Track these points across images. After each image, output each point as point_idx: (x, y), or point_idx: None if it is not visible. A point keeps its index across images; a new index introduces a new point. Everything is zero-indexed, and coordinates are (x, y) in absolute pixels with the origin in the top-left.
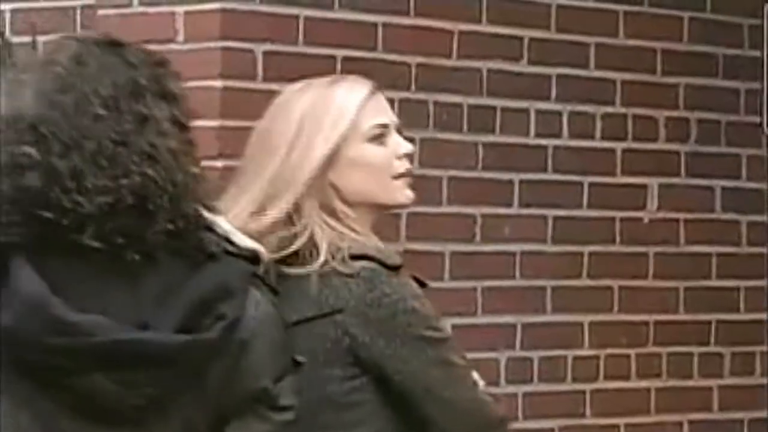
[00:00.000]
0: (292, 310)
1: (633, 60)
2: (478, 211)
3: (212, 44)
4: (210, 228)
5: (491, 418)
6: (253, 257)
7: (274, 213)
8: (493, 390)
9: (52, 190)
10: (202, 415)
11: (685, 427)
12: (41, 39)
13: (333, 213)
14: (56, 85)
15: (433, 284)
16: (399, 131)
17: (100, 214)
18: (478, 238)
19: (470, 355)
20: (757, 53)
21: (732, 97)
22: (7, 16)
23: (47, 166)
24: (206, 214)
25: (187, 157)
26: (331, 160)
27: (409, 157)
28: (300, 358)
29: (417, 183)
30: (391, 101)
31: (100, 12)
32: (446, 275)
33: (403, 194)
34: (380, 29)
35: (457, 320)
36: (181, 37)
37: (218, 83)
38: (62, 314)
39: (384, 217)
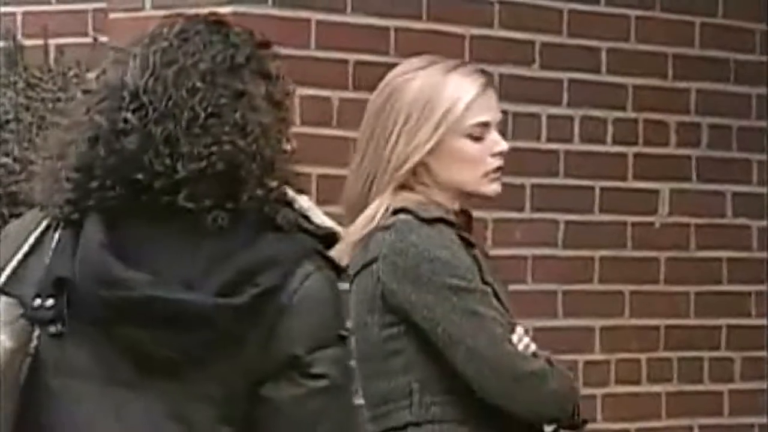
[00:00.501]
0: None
1: (644, 65)
2: (490, 215)
3: None
4: (290, 203)
5: (517, 371)
6: (326, 235)
7: (381, 192)
8: None
9: (146, 153)
10: (238, 376)
11: (696, 431)
12: (52, 42)
13: (412, 188)
14: (161, 58)
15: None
16: (500, 129)
17: (191, 177)
18: (489, 242)
19: None
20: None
21: (743, 102)
22: (19, 18)
23: (144, 131)
24: (289, 191)
25: (278, 134)
26: (432, 149)
27: (503, 154)
28: (341, 333)
29: None
30: None
31: (112, 15)
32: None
33: (490, 188)
34: (393, 33)
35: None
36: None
37: None
38: (111, 269)
39: None
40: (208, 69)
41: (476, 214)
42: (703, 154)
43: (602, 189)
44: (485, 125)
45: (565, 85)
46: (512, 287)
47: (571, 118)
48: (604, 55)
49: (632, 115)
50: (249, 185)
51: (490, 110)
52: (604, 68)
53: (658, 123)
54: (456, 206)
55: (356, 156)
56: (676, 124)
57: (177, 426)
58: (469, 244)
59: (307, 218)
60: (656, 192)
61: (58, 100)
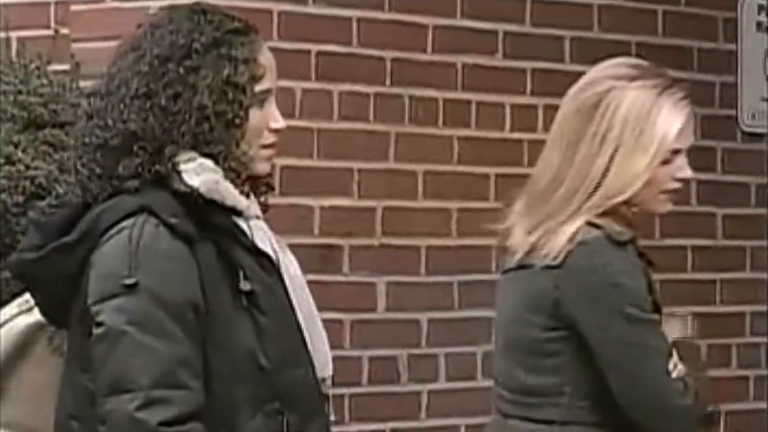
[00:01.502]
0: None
1: (608, 53)
2: (454, 205)
3: None
4: (178, 172)
5: (671, 405)
6: (186, 194)
7: (580, 214)
8: (470, 384)
9: (88, 125)
10: (80, 325)
11: None
12: (14, 35)
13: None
14: (131, 45)
15: (409, 279)
16: (688, 152)
17: (97, 145)
18: (454, 232)
19: (447, 350)
20: (732, 46)
21: (708, 90)
22: None
23: (93, 102)
24: (188, 162)
25: (226, 114)
26: (645, 179)
27: (684, 180)
28: (129, 282)
29: (392, 177)
30: (366, 96)
31: (73, 8)
32: (422, 270)
33: (665, 207)
34: (355, 24)
35: (434, 314)
36: None
37: None
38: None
39: (360, 211)
40: (162, 54)
41: (441, 204)
42: None
43: None
44: (677, 151)
45: (529, 74)
46: (477, 277)
47: (535, 107)
48: (567, 43)
49: None
50: (138, 159)
51: (687, 138)
52: (567, 57)
53: None
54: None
55: (552, 155)
56: None
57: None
58: (648, 263)
59: (180, 177)
60: None
61: (20, 92)
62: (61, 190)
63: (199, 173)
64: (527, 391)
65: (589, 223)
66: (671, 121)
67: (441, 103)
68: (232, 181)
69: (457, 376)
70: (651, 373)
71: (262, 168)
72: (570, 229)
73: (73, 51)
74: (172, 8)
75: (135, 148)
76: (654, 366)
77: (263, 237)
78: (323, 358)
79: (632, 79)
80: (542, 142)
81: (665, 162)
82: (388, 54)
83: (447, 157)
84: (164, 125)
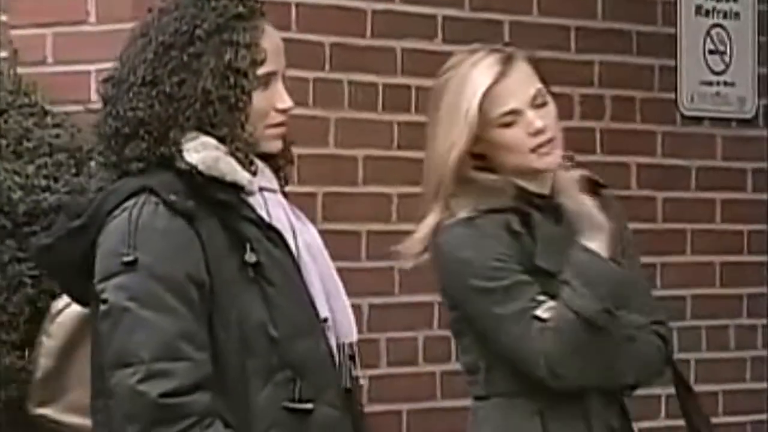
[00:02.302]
0: None
1: (547, 37)
2: (395, 190)
3: (124, 26)
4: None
5: (539, 361)
6: (185, 172)
7: (426, 195)
8: (412, 370)
9: (104, 114)
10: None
11: None
12: None
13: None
14: (139, 32)
15: (349, 264)
16: (537, 104)
17: (109, 134)
18: (394, 217)
19: (388, 335)
20: (671, 30)
21: (647, 73)
22: None
23: (107, 89)
24: (191, 141)
25: (228, 98)
26: (476, 143)
27: (541, 131)
28: (128, 259)
29: (332, 162)
30: (305, 81)
31: None
32: (363, 255)
33: (542, 163)
34: (294, 9)
35: (375, 300)
36: (93, 18)
37: None
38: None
39: (300, 197)
40: (166, 41)
41: (381, 189)
42: (608, 126)
43: None
44: (514, 112)
45: None
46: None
47: None
48: (506, 28)
49: None
50: (144, 143)
51: (512, 96)
52: (507, 41)
53: (562, 96)
54: (534, 186)
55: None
56: (580, 96)
57: None
58: (515, 232)
59: (181, 156)
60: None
61: None
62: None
63: (199, 151)
64: (464, 371)
65: (448, 206)
66: (476, 86)
67: (380, 88)
68: (238, 159)
69: (398, 361)
70: (506, 340)
71: (271, 146)
72: (431, 215)
73: (11, 38)
74: None
75: (141, 132)
76: (505, 332)
77: (276, 210)
78: (347, 325)
79: (457, 63)
80: None
81: (506, 125)
82: (327, 39)
83: (387, 142)
84: (169, 111)
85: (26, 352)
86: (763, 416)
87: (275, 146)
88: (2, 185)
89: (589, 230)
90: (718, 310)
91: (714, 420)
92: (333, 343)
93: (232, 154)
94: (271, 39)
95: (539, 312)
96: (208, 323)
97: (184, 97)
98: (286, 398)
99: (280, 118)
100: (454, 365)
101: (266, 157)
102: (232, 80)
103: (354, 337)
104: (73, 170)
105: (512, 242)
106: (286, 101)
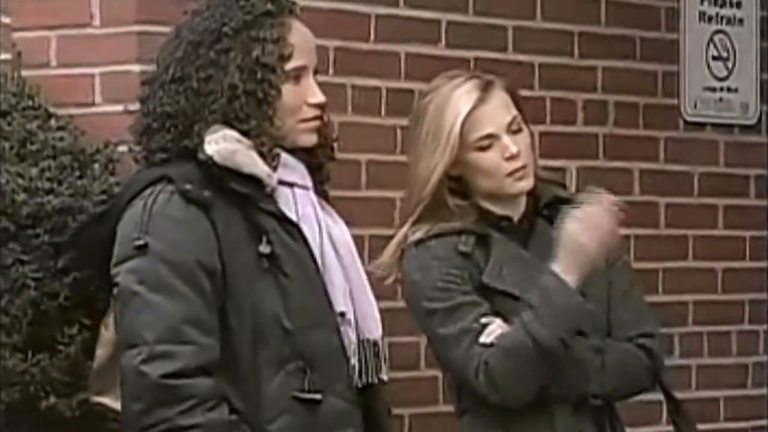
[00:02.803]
0: None
1: (550, 43)
2: (398, 195)
3: (128, 29)
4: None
5: (475, 382)
6: (203, 162)
7: (410, 214)
8: (414, 374)
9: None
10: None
11: None
12: None
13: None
14: (175, 33)
15: None
16: (512, 130)
17: (139, 131)
18: (397, 221)
19: (391, 339)
20: (674, 36)
21: (650, 79)
22: None
23: (143, 90)
24: (213, 133)
25: (255, 93)
26: (453, 166)
27: (516, 157)
28: (139, 243)
29: (336, 167)
30: None
31: None
32: (366, 259)
33: (516, 187)
34: (298, 12)
35: (378, 304)
36: (97, 21)
37: (135, 67)
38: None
39: None
40: (194, 40)
41: (384, 193)
42: (611, 132)
43: None
44: (491, 136)
45: (472, 63)
46: None
47: None
48: (510, 33)
49: (540, 93)
50: (170, 135)
51: (489, 122)
52: (510, 46)
53: (566, 101)
54: (500, 209)
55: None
56: (583, 102)
57: None
58: (463, 253)
59: (202, 148)
60: (563, 170)
61: None
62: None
63: (219, 143)
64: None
65: (407, 232)
66: (456, 112)
67: (383, 93)
68: (261, 153)
69: (400, 365)
70: (451, 360)
71: (305, 140)
72: (396, 238)
73: (15, 40)
74: None
75: (168, 125)
76: (450, 354)
77: (305, 206)
78: (372, 322)
79: (435, 89)
80: None
81: (483, 148)
82: (331, 43)
83: (390, 146)
84: (195, 105)
85: (28, 355)
86: (763, 422)
87: (310, 140)
88: (5, 188)
89: (567, 260)
90: (720, 316)
91: (715, 426)
92: (352, 337)
93: (258, 148)
94: (299, 34)
95: (482, 339)
96: (222, 311)
97: (210, 92)
98: (296, 388)
99: (313, 112)
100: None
101: (307, 154)
102: (259, 75)
103: (378, 334)
104: (77, 173)
105: (461, 263)
106: (317, 95)
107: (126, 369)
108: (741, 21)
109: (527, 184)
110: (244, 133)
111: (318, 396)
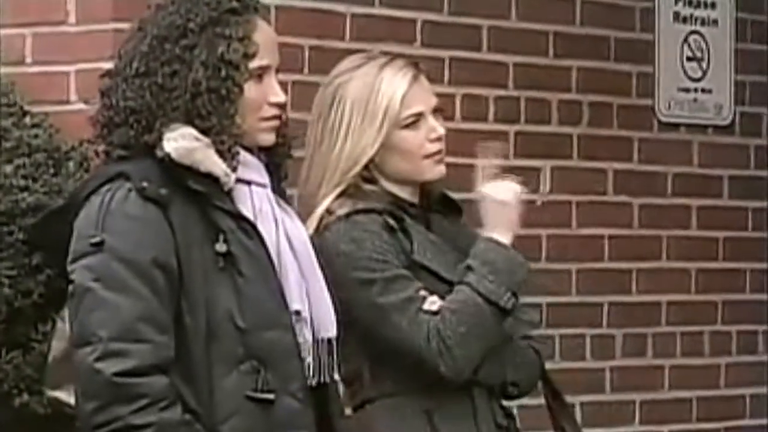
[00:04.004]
0: None
1: (525, 43)
2: None
3: (104, 26)
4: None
5: (424, 353)
6: (162, 159)
7: (328, 193)
8: None
9: (102, 99)
10: None
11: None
12: None
13: (362, 186)
14: (138, 26)
15: None
16: (436, 112)
17: (103, 122)
18: None
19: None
20: (649, 36)
21: (625, 79)
22: None
23: (105, 82)
24: (173, 131)
25: (219, 89)
26: (377, 149)
27: (441, 139)
28: (95, 240)
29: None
30: (284, 84)
31: None
32: None
33: (434, 171)
34: (273, 11)
35: None
36: (73, 19)
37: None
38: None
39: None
40: (159, 35)
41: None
42: (584, 132)
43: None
44: (419, 115)
45: (447, 63)
46: None
47: (452, 96)
48: (485, 33)
49: (514, 93)
50: (132, 131)
51: (421, 101)
52: (485, 46)
53: (540, 101)
54: (408, 195)
55: (307, 154)
56: (557, 101)
57: None
58: (393, 229)
59: (161, 145)
60: (538, 169)
61: None
62: None
63: (177, 140)
64: (345, 382)
65: (329, 207)
66: (393, 89)
67: None
68: (220, 151)
69: None
70: (390, 331)
71: (265, 139)
72: (315, 215)
73: None
74: None
75: (131, 120)
76: (389, 323)
77: (262, 204)
78: (327, 320)
79: (356, 68)
80: (458, 132)
81: (413, 128)
82: (307, 42)
83: None
84: (159, 100)
85: (2, 352)
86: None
87: (269, 139)
88: None
89: (494, 223)
90: (693, 317)
91: (687, 427)
92: (307, 336)
93: (217, 146)
94: (264, 33)
95: (426, 306)
96: (177, 309)
97: (174, 88)
98: (249, 387)
99: (273, 111)
100: None
101: (266, 153)
102: (223, 72)
103: (333, 332)
104: (52, 170)
105: (390, 239)
106: (279, 95)
107: (80, 366)
108: (716, 22)
109: (443, 169)
110: (205, 131)
111: (271, 396)
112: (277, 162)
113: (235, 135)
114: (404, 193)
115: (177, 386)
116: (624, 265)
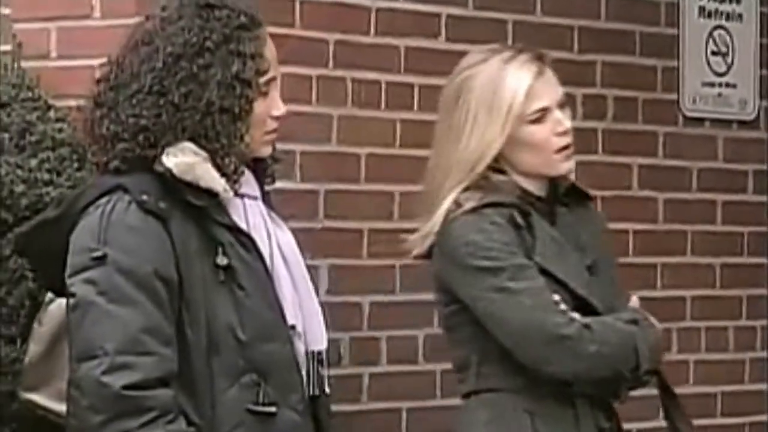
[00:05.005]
0: None
1: (550, 38)
2: (397, 188)
3: (128, 21)
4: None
5: (547, 335)
6: (162, 174)
7: (455, 186)
8: (412, 368)
9: (96, 114)
10: None
11: None
12: None
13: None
14: (142, 38)
15: (350, 262)
16: (562, 105)
17: (106, 136)
18: (396, 215)
19: (388, 333)
20: (673, 31)
21: (649, 74)
22: None
23: (103, 91)
24: (172, 146)
25: (232, 108)
26: (503, 144)
27: (567, 133)
28: (97, 254)
29: (335, 160)
30: (308, 78)
31: None
32: (365, 252)
33: (563, 166)
34: (298, 5)
35: (376, 297)
36: (98, 13)
37: None
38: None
39: (302, 194)
40: (175, 52)
41: (383, 187)
42: (610, 127)
43: None
44: (544, 110)
45: None
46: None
47: None
48: (510, 27)
49: None
50: (138, 148)
51: (546, 94)
52: (510, 40)
53: (566, 95)
54: (536, 188)
55: (433, 149)
56: (582, 96)
57: None
58: (518, 226)
59: (160, 160)
60: None
61: None
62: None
63: (177, 155)
64: (455, 368)
65: (457, 200)
66: (518, 84)
67: (383, 86)
68: (222, 168)
69: (398, 359)
70: (518, 312)
71: (265, 151)
72: (441, 209)
73: (15, 31)
74: (180, 1)
75: (140, 138)
76: (520, 306)
77: (254, 216)
78: (317, 333)
79: (480, 62)
80: None
81: (539, 123)
82: (331, 36)
83: (389, 140)
84: (173, 120)
85: (21, 345)
86: (762, 417)
87: (267, 151)
88: (4, 179)
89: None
90: (718, 312)
91: (711, 422)
92: (301, 349)
93: (215, 162)
94: (270, 46)
95: (571, 313)
96: (177, 322)
97: (189, 108)
98: (250, 400)
99: (274, 124)
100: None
101: (254, 161)
102: (238, 91)
103: (324, 345)
104: (76, 164)
105: (515, 235)
106: (281, 108)
107: (84, 380)
108: (740, 17)
109: (572, 164)
110: (211, 152)
111: (273, 409)
112: (264, 167)
113: (241, 154)
114: (532, 186)
115: (180, 400)
116: (649, 260)
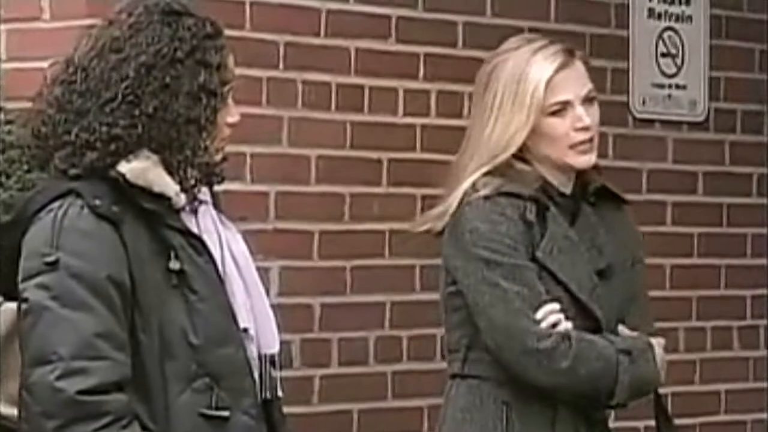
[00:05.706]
0: None
1: (501, 38)
2: (347, 189)
3: (78, 23)
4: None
5: (525, 346)
6: (115, 179)
7: (476, 170)
8: (363, 369)
9: (59, 117)
10: None
11: None
12: None
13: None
14: (110, 45)
15: (301, 263)
16: (588, 100)
17: (75, 143)
18: (347, 216)
19: (339, 335)
20: (624, 32)
21: (599, 76)
22: None
23: (66, 95)
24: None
25: (201, 119)
26: (528, 134)
27: (588, 128)
28: (49, 259)
29: (285, 161)
30: (259, 80)
31: None
32: (315, 254)
33: (579, 159)
34: (248, 7)
35: (327, 299)
36: (47, 15)
37: None
38: None
39: (253, 196)
40: (147, 62)
41: (334, 188)
42: None
43: None
44: (566, 103)
45: (422, 59)
46: (370, 262)
47: (427, 93)
48: (460, 29)
49: None
50: (107, 158)
51: (569, 88)
52: (460, 42)
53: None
54: (560, 183)
55: (468, 126)
56: None
57: None
58: (528, 221)
59: (115, 168)
60: None
61: None
62: None
63: (130, 160)
64: (448, 350)
65: (476, 184)
66: (540, 75)
67: (334, 88)
68: (183, 189)
69: (349, 360)
70: (505, 313)
71: (217, 158)
72: (459, 190)
73: None
74: (145, 7)
75: (112, 147)
76: (509, 307)
77: (206, 220)
78: (270, 336)
79: (512, 50)
80: (434, 127)
81: (555, 114)
82: (281, 38)
83: (340, 141)
84: (145, 131)
85: None
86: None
87: (219, 157)
88: None
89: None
90: (668, 314)
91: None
92: (254, 353)
93: (177, 174)
94: (231, 55)
95: (553, 318)
96: (130, 327)
97: (159, 119)
98: (203, 405)
99: (229, 131)
100: (405, 365)
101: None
102: (204, 101)
103: (276, 348)
104: (26, 167)
105: (524, 231)
106: (235, 115)
107: (39, 386)
108: (690, 18)
109: (591, 158)
110: (176, 163)
111: (226, 413)
112: (219, 175)
113: (204, 165)
114: (557, 180)
115: (133, 404)
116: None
